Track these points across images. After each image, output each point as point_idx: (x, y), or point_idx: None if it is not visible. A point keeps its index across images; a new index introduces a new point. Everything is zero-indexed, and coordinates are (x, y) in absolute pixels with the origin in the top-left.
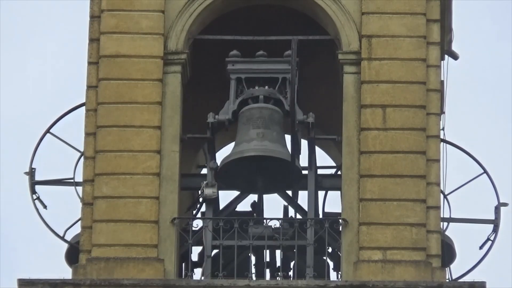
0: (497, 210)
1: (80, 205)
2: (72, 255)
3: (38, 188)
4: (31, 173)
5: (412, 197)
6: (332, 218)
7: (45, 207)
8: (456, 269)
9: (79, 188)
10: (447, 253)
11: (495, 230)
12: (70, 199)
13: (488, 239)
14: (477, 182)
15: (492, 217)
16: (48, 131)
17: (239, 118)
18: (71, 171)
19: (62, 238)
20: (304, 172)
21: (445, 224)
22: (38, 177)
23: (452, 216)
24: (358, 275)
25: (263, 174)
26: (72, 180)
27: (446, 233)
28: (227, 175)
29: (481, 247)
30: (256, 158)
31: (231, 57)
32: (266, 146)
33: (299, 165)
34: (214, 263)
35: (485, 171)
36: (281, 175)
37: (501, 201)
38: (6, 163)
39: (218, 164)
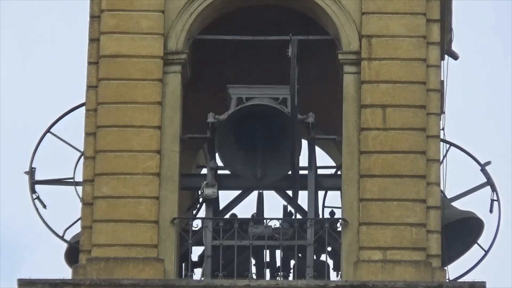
0: (484, 171)
1: (80, 205)
2: (72, 255)
3: (38, 187)
4: (31, 172)
5: (412, 197)
6: (332, 218)
7: (44, 206)
8: (456, 269)
9: (79, 188)
10: (475, 225)
11: (494, 189)
12: (70, 199)
13: (492, 200)
14: (454, 159)
15: (484, 180)
16: (48, 130)
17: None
18: (71, 171)
19: (62, 237)
20: (304, 172)
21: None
22: (38, 177)
23: (448, 198)
24: (358, 275)
25: (263, 132)
26: (72, 180)
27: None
28: (228, 151)
29: (491, 211)
30: (257, 108)
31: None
32: (266, 103)
33: (298, 121)
34: (214, 263)
35: (453, 144)
36: (281, 132)
37: (482, 162)
38: (6, 163)
39: (218, 165)
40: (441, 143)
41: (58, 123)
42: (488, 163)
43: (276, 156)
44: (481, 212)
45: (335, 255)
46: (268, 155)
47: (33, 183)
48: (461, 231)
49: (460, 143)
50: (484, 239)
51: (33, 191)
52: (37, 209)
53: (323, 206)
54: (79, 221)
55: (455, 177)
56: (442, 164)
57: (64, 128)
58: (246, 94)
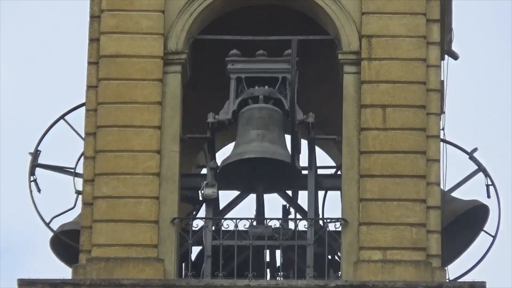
0: (473, 158)
1: (74, 196)
2: (57, 243)
3: (38, 171)
4: (35, 154)
5: (412, 197)
6: (332, 218)
7: (39, 190)
8: (456, 269)
9: (79, 180)
10: (479, 213)
11: (486, 174)
12: (67, 189)
13: (487, 186)
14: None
15: (474, 167)
16: (62, 117)
17: (239, 119)
18: (74, 162)
19: (47, 224)
20: (304, 172)
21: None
22: (40, 161)
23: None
24: (358, 275)
25: (263, 176)
26: (72, 170)
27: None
28: (227, 177)
29: (488, 196)
30: (256, 159)
31: (230, 57)
32: (266, 148)
33: (299, 165)
34: (214, 263)
35: (469, 154)
36: (281, 177)
37: (469, 150)
38: (6, 164)
39: (218, 165)
40: (441, 143)
41: (72, 113)
42: (475, 150)
43: (276, 175)
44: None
45: (335, 263)
46: (268, 172)
47: (34, 165)
48: (465, 223)
49: (460, 143)
50: (488, 227)
51: (32, 173)
52: (31, 192)
53: (323, 206)
54: (68, 211)
55: (447, 170)
56: (442, 164)
57: (76, 120)
58: (245, 72)
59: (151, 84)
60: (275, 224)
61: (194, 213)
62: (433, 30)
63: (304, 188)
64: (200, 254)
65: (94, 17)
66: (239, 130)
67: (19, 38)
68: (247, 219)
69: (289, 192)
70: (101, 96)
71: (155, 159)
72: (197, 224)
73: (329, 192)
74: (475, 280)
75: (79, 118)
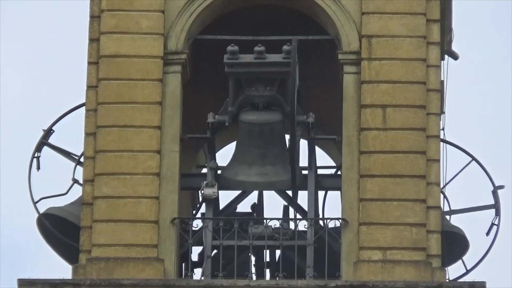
0: (495, 194)
1: (70, 183)
2: (43, 226)
3: (44, 151)
4: (48, 132)
5: (412, 197)
6: (332, 218)
7: (38, 168)
8: (456, 269)
9: (79, 170)
10: (460, 243)
11: (498, 214)
12: (66, 177)
13: (492, 224)
14: (471, 172)
15: (492, 201)
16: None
17: (240, 127)
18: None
19: (35, 204)
20: (304, 172)
21: (447, 217)
22: (51, 142)
23: (452, 209)
24: (358, 275)
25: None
26: (77, 157)
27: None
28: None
29: (487, 234)
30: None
31: (228, 55)
32: (267, 177)
33: (301, 177)
34: (214, 263)
35: (475, 159)
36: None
37: (496, 185)
38: (6, 165)
39: (218, 165)
40: (441, 143)
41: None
42: (501, 187)
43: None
44: (477, 230)
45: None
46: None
47: (43, 142)
48: (448, 245)
49: (460, 143)
50: (471, 256)
51: (38, 149)
52: (30, 167)
53: (323, 206)
54: (59, 196)
55: (467, 189)
56: (442, 165)
57: (76, 119)
58: (244, 75)
59: (151, 84)
60: (275, 224)
61: (194, 213)
62: (433, 30)
63: (304, 188)
64: (200, 254)
65: (94, 17)
66: (239, 141)
67: (19, 38)
68: (247, 218)
69: (289, 192)
70: (101, 96)
71: (155, 159)
72: (197, 224)
73: (329, 192)
74: (475, 280)
75: (79, 118)
